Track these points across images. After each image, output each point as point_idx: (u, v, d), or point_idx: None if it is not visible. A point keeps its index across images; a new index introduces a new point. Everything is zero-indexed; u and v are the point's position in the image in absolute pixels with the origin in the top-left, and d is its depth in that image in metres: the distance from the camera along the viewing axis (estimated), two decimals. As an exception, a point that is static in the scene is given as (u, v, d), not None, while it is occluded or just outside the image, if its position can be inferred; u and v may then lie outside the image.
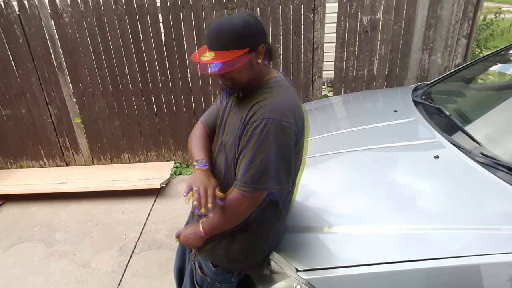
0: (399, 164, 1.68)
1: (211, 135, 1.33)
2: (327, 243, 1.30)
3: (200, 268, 1.30)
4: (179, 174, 3.43)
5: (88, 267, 2.41)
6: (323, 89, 3.34)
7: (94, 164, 3.58)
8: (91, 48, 3.07)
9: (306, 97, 3.29)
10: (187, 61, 3.14)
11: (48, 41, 3.05)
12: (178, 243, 1.46)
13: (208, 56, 1.03)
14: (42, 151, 3.51)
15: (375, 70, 3.20)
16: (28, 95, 3.24)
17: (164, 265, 2.37)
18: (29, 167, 3.58)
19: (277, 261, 1.28)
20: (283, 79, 1.18)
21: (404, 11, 2.99)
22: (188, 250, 1.50)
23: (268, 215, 1.21)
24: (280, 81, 1.16)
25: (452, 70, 2.39)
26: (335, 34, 3.07)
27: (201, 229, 1.20)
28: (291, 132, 1.06)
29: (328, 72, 3.35)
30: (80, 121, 3.38)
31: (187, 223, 1.49)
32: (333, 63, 3.19)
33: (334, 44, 3.11)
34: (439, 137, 1.66)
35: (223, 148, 1.18)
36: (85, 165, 3.58)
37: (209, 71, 1.03)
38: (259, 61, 1.10)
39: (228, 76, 1.09)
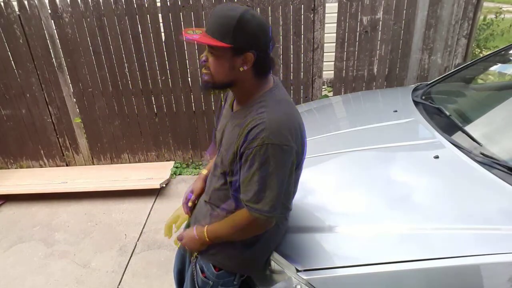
0: (399, 164, 1.68)
1: None
2: (327, 243, 1.30)
3: (202, 271, 1.29)
4: (179, 174, 3.43)
5: (88, 267, 2.41)
6: (323, 89, 3.34)
7: (94, 164, 3.58)
8: (91, 48, 3.07)
9: (306, 97, 3.29)
10: (187, 61, 3.14)
11: (48, 41, 3.05)
12: (178, 245, 1.45)
13: (198, 32, 1.05)
14: (42, 151, 3.50)
15: (375, 70, 3.20)
16: (28, 95, 3.24)
17: (164, 265, 2.37)
18: (29, 167, 3.58)
19: (277, 261, 1.28)
20: (277, 89, 1.14)
21: (404, 11, 2.99)
22: (189, 253, 1.50)
23: None
24: (275, 93, 1.12)
25: (452, 70, 2.39)
26: (335, 34, 3.07)
27: (206, 235, 1.20)
28: (292, 153, 1.06)
29: (328, 72, 3.35)
30: (80, 121, 3.38)
31: (187, 225, 1.48)
32: (333, 63, 3.19)
33: (334, 44, 3.11)
34: (439, 137, 1.66)
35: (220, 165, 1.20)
36: (85, 165, 3.58)
37: (185, 38, 1.04)
38: (242, 69, 1.05)
39: (207, 65, 1.08)
